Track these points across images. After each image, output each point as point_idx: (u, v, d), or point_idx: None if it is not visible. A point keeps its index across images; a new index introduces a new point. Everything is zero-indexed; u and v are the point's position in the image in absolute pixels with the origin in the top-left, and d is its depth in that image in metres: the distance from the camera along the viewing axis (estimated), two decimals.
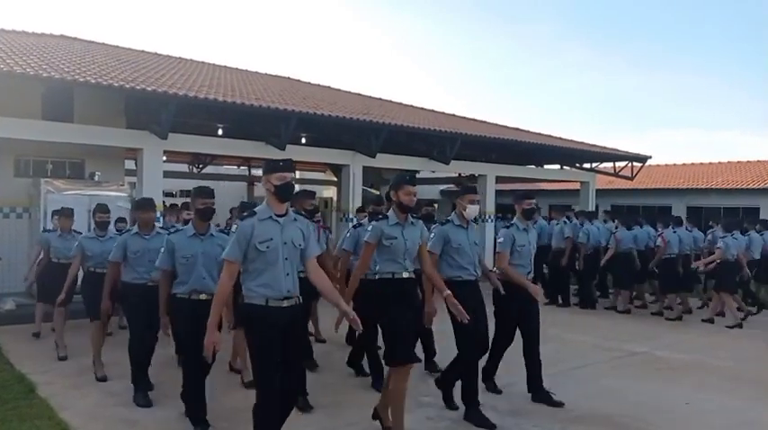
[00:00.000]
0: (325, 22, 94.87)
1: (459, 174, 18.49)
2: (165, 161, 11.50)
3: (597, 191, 17.89)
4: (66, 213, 7.04)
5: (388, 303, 4.06)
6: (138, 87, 9.33)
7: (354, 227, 6.07)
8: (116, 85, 9.15)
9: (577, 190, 17.77)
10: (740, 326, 8.72)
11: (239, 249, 3.37)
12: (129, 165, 13.11)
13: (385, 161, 13.60)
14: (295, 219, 3.53)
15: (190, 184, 21.70)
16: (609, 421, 4.66)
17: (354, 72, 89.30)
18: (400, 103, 18.66)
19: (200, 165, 20.38)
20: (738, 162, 21.86)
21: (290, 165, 3.52)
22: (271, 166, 3.49)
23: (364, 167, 13.17)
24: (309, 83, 19.08)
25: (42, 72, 8.66)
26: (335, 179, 19.72)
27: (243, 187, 22.36)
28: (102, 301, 5.33)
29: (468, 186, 5.23)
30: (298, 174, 22.79)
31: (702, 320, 9.20)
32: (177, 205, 11.01)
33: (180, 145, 11.03)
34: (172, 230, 4.75)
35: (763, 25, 69.75)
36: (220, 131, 13.49)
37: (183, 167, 20.07)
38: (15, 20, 76.35)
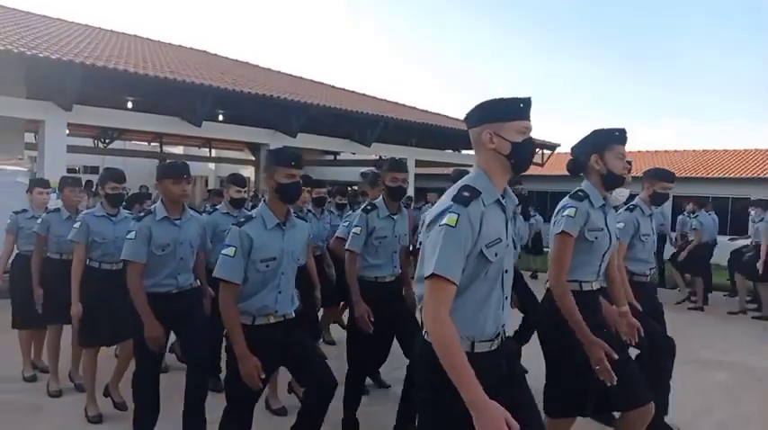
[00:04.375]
0: None
1: (380, 157, 18.63)
2: (68, 135, 10.82)
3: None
4: (74, 182, 4.68)
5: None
6: (40, 55, 8.71)
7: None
8: (15, 50, 8.49)
9: None
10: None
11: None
12: (30, 138, 12.26)
13: (306, 141, 13.47)
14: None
15: (95, 160, 20.75)
16: None
17: (272, 49, 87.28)
18: (322, 83, 18.49)
19: (107, 140, 19.32)
20: (638, 152, 23.39)
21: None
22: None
23: (284, 147, 13.00)
24: (227, 58, 18.49)
25: None
26: (253, 158, 19.32)
27: (154, 164, 21.44)
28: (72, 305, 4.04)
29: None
30: (213, 153, 22.15)
31: None
32: (91, 182, 10.45)
33: (85, 117, 10.43)
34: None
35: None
36: (130, 105, 12.84)
37: (89, 142, 18.96)
38: None
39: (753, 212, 9.28)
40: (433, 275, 1.76)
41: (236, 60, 18.44)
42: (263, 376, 2.74)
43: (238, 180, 4.79)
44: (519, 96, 1.95)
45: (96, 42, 12.34)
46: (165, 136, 18.69)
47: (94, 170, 20.75)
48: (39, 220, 4.63)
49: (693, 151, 21.94)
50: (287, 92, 12.93)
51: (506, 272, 1.97)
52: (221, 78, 12.19)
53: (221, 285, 2.75)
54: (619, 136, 2.84)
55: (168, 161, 3.52)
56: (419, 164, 16.23)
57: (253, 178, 20.28)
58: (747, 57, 73.06)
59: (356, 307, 3.61)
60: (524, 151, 1.94)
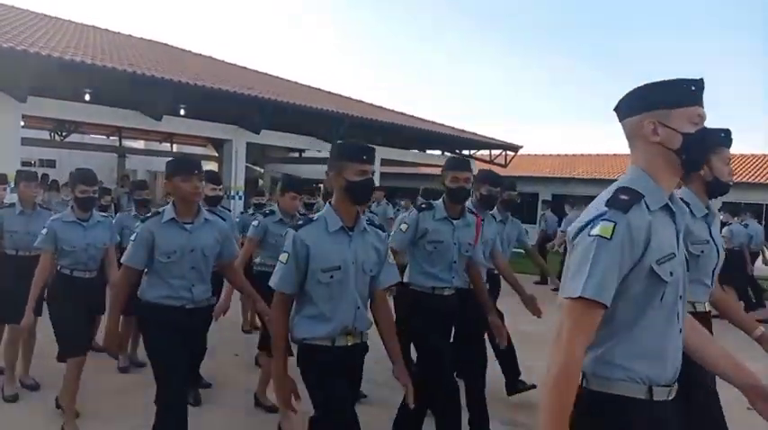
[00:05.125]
0: None
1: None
2: (23, 127, 10.45)
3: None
4: (29, 176, 4.59)
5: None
6: None
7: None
8: None
9: None
10: None
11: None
12: None
13: (270, 138, 13.34)
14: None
15: (51, 153, 20.08)
16: None
17: (236, 45, 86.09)
18: (287, 80, 18.32)
19: (64, 133, 18.71)
20: (597, 155, 23.91)
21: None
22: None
23: (248, 144, 12.83)
24: (189, 51, 18.16)
25: None
26: (216, 155, 19.02)
27: (113, 159, 20.90)
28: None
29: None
30: (175, 148, 21.71)
31: None
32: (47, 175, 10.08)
33: (41, 109, 10.10)
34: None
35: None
36: (87, 97, 12.46)
37: (45, 134, 18.34)
38: None
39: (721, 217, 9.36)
40: (579, 298, 1.42)
41: (199, 55, 18.12)
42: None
43: (213, 177, 4.64)
44: (688, 78, 1.58)
45: (53, 32, 11.94)
46: (124, 130, 18.20)
47: (51, 164, 20.08)
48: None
49: None
50: (251, 88, 12.76)
51: (681, 298, 1.58)
52: (183, 72, 11.95)
53: (274, 296, 2.46)
54: (724, 137, 2.61)
55: (179, 157, 3.33)
56: (384, 163, 16.26)
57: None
58: (724, 62, 75.59)
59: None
60: (699, 144, 1.56)
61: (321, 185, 13.67)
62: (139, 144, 21.73)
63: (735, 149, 2.80)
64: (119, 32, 16.89)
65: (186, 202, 3.02)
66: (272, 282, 2.42)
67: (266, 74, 18.33)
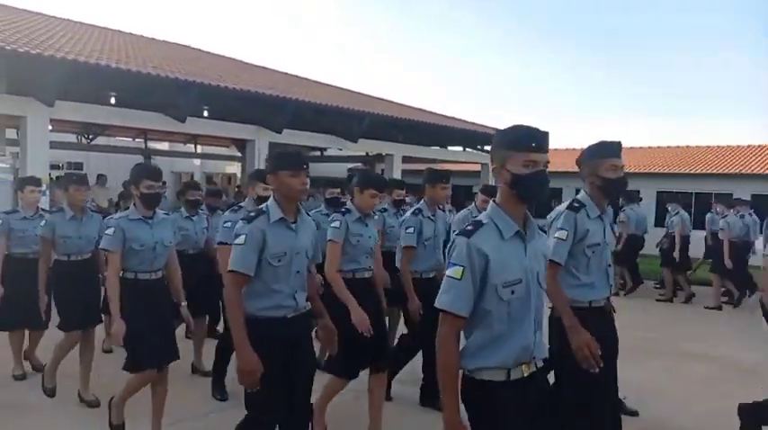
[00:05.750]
0: None
1: (367, 154, 18.61)
2: (51, 131, 10.67)
3: None
4: (80, 180, 4.42)
5: None
6: (20, 50, 8.56)
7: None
8: None
9: (479, 171, 18.47)
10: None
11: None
12: (11, 134, 12.08)
13: (291, 137, 13.41)
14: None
15: (79, 156, 20.48)
16: None
17: (256, 45, 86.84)
18: (307, 79, 18.41)
19: (91, 136, 19.08)
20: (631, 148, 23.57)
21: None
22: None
23: (270, 143, 12.94)
24: (211, 53, 18.34)
25: None
26: (240, 155, 19.20)
27: (138, 161, 21.25)
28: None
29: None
30: (199, 149, 21.97)
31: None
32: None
33: (68, 113, 10.29)
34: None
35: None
36: (113, 100, 12.69)
37: (72, 138, 18.72)
38: None
39: (717, 209, 10.12)
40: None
41: (221, 56, 18.29)
42: None
43: (264, 176, 4.40)
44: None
45: (78, 37, 12.16)
46: (149, 132, 18.50)
47: (78, 166, 20.47)
48: (42, 223, 4.40)
49: (677, 147, 22.15)
50: (272, 88, 12.86)
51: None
52: (205, 74, 12.09)
53: (442, 320, 1.98)
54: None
55: (284, 150, 2.87)
56: (405, 160, 16.25)
57: (239, 175, 20.16)
58: (725, 55, 74.01)
59: None
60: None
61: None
62: (164, 145, 22.06)
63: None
64: (142, 36, 17.14)
65: (292, 200, 2.74)
66: (443, 303, 1.96)
67: (287, 73, 18.44)
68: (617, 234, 9.95)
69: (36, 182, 4.85)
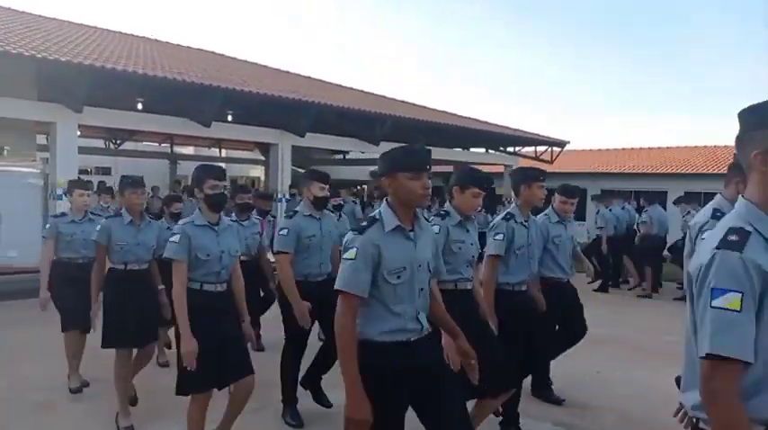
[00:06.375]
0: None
1: None
2: (79, 136, 10.92)
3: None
4: (135, 183, 4.05)
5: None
6: (50, 57, 8.78)
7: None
8: (27, 54, 8.56)
9: (501, 173, 18.38)
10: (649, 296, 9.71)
11: None
12: (41, 139, 12.39)
13: (314, 141, 13.51)
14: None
15: (107, 161, 20.89)
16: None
17: (256, 45, 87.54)
18: (329, 83, 18.51)
19: (118, 141, 19.46)
20: (649, 148, 23.24)
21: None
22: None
23: (293, 146, 13.04)
24: (235, 58, 18.56)
25: None
26: (263, 158, 19.39)
27: (164, 165, 21.58)
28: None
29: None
30: (223, 153, 22.24)
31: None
32: (104, 182, 10.46)
33: (96, 119, 10.51)
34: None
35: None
36: (140, 106, 12.93)
37: (100, 143, 19.12)
38: None
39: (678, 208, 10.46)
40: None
41: (244, 61, 18.50)
42: None
43: (322, 176, 4.05)
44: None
45: (105, 44, 12.43)
46: (175, 136, 18.80)
47: (106, 171, 20.90)
48: (93, 226, 4.21)
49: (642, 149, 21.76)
50: (295, 92, 12.96)
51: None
52: (229, 79, 12.24)
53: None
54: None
55: (401, 147, 2.39)
56: None
57: (263, 178, 20.35)
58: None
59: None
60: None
61: (365, 186, 13.74)
62: (189, 150, 22.41)
63: None
64: (167, 42, 17.43)
65: (410, 206, 2.31)
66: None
67: (309, 77, 18.57)
68: (639, 231, 10.12)
69: (84, 185, 4.67)
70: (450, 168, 20.18)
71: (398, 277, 2.24)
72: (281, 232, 3.94)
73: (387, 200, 2.35)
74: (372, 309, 2.25)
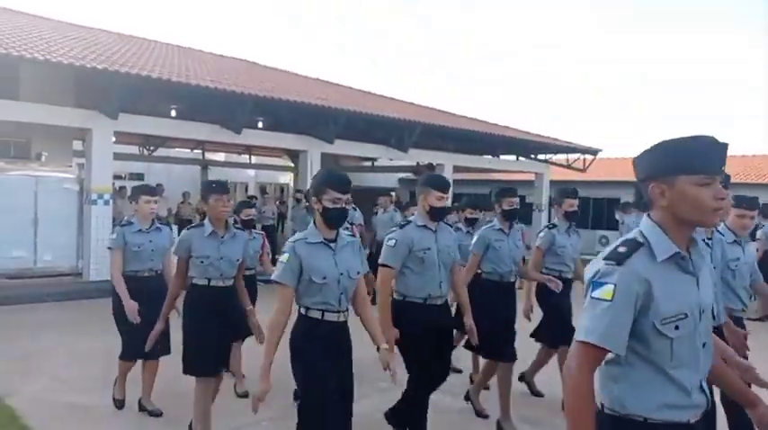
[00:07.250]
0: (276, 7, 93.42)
1: (418, 163, 18.60)
2: (114, 142, 11.16)
3: (551, 182, 18.29)
4: (220, 189, 3.65)
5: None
6: (87, 65, 9.00)
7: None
8: (65, 62, 8.79)
9: (532, 181, 18.13)
10: None
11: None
12: (77, 145, 12.69)
13: (343, 148, 13.55)
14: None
15: (140, 167, 21.29)
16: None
17: (256, 46, 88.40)
18: (359, 90, 18.58)
19: (152, 148, 19.83)
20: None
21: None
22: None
23: (322, 154, 13.11)
24: (265, 66, 18.78)
25: None
26: (292, 165, 19.54)
27: (196, 171, 21.91)
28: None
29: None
30: (253, 160, 22.49)
31: None
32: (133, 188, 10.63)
33: (131, 126, 10.71)
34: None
35: None
36: (173, 113, 13.16)
37: (134, 149, 19.50)
38: None
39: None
40: None
41: (275, 68, 18.70)
42: None
43: (441, 184, 3.49)
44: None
45: (140, 53, 12.69)
46: (206, 143, 19.07)
47: (140, 177, 21.30)
48: (177, 239, 3.71)
49: None
50: (324, 99, 13.04)
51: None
52: (260, 86, 12.38)
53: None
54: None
55: (685, 137, 1.62)
56: (456, 169, 16.15)
57: (292, 184, 20.51)
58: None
59: None
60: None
61: (394, 193, 13.75)
62: (220, 156, 22.72)
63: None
64: (200, 50, 17.74)
65: (691, 225, 1.66)
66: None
67: (338, 84, 18.67)
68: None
69: (152, 191, 4.29)
70: (478, 176, 20.06)
71: (677, 328, 1.59)
72: (388, 242, 3.44)
73: (649, 215, 1.69)
74: (638, 372, 1.61)
